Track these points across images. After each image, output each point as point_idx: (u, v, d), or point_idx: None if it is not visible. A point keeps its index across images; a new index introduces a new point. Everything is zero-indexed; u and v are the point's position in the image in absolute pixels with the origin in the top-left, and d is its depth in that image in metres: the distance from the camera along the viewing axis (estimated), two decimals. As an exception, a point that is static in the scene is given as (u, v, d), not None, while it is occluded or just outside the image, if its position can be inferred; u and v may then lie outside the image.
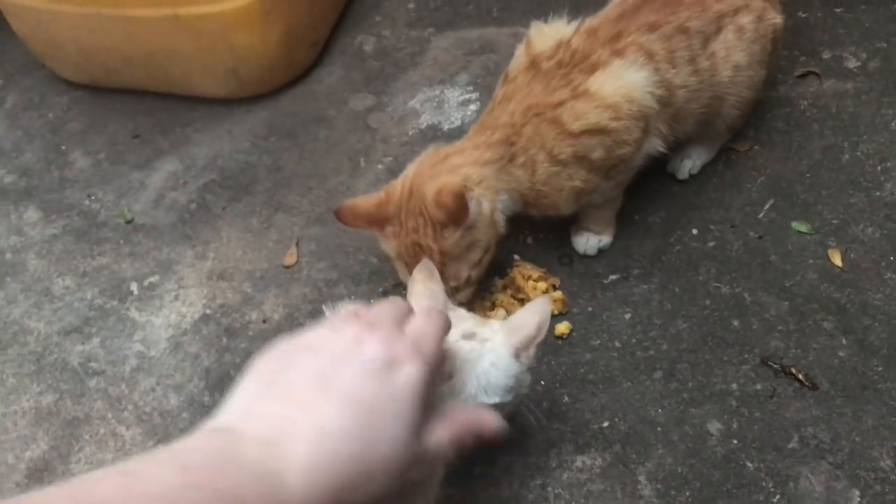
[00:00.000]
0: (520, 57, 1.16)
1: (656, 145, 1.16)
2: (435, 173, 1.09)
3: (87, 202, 1.55)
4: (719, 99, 1.20)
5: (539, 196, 1.14)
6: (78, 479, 0.46)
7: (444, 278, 1.10)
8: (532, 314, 0.88)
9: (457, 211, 1.05)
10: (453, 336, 0.82)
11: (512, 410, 0.94)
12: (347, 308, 0.64)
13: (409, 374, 0.57)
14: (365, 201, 1.14)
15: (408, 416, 0.56)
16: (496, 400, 0.85)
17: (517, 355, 0.86)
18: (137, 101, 1.70)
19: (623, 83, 1.08)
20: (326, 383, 0.56)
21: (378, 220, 1.12)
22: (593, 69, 1.08)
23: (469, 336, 0.86)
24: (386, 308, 0.65)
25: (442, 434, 0.60)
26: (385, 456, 0.55)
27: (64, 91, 1.78)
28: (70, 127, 1.70)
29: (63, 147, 1.66)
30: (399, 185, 1.12)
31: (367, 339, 0.58)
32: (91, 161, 1.62)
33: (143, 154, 1.61)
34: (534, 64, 1.12)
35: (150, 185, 1.55)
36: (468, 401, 0.83)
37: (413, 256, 1.11)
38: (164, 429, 1.20)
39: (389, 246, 1.14)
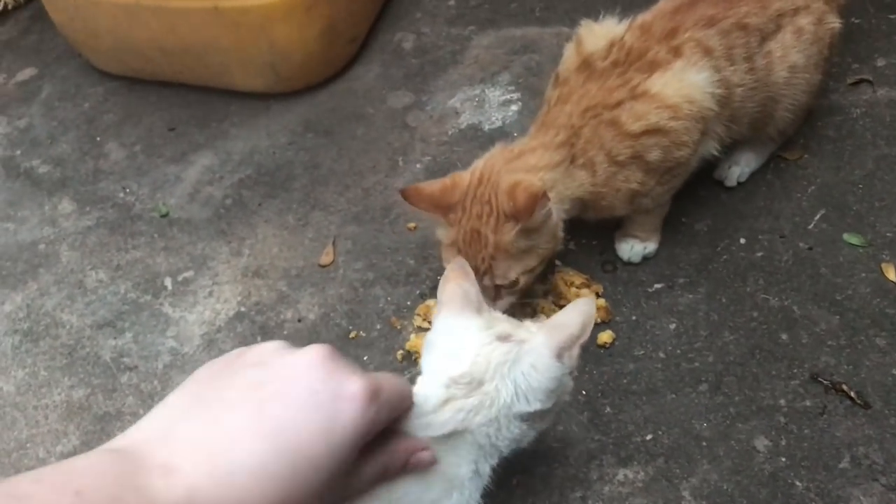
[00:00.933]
0: (570, 57, 1.14)
1: (711, 148, 1.13)
2: (512, 169, 1.07)
3: (121, 194, 1.53)
4: (773, 100, 1.17)
5: (598, 197, 1.11)
6: None
7: (492, 274, 1.09)
8: (575, 313, 0.80)
9: (526, 208, 1.02)
10: (485, 339, 0.77)
11: (553, 419, 0.90)
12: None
13: (354, 412, 0.53)
14: (430, 185, 1.11)
15: (341, 459, 0.52)
16: (537, 406, 0.77)
17: (559, 356, 0.77)
18: (174, 94, 1.69)
19: (684, 84, 1.05)
20: (262, 408, 0.51)
21: (442, 204, 1.10)
22: (651, 67, 1.05)
23: (504, 338, 0.78)
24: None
25: (374, 467, 0.59)
26: (304, 500, 0.50)
27: (100, 82, 1.77)
28: (105, 118, 1.69)
29: (98, 138, 1.65)
30: (468, 174, 1.10)
31: (320, 366, 0.54)
32: (126, 153, 1.61)
33: (179, 147, 1.60)
34: (586, 64, 1.10)
35: (185, 178, 1.54)
36: (501, 411, 0.75)
37: (469, 244, 1.09)
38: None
39: (446, 233, 1.12)
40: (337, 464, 0.52)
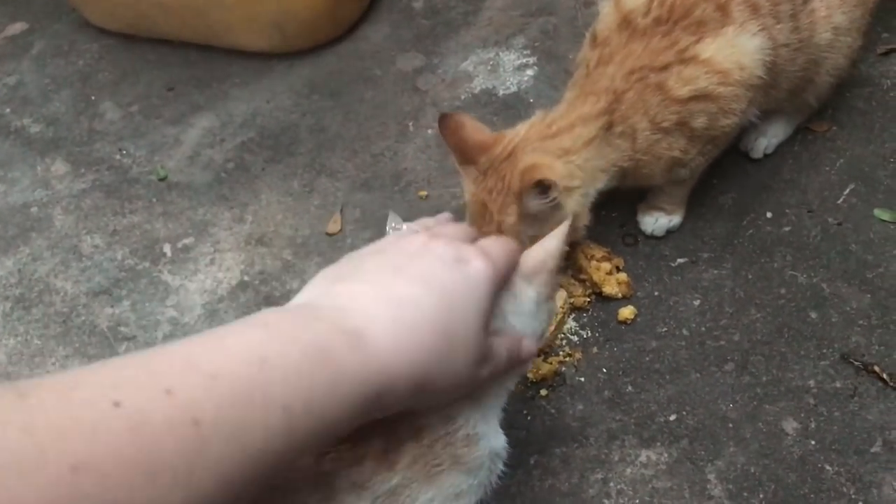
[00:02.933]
0: (608, 15, 1.07)
1: (751, 115, 1.08)
2: (543, 148, 1.01)
3: (117, 156, 1.47)
4: (815, 64, 1.11)
5: (638, 166, 1.06)
6: (162, 349, 0.45)
7: None
8: (546, 240, 0.79)
9: (525, 190, 0.98)
10: None
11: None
12: (411, 226, 0.67)
13: (479, 267, 0.59)
14: (474, 129, 1.04)
15: (480, 303, 0.59)
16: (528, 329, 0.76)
17: (530, 282, 0.75)
18: (172, 53, 1.62)
19: (736, 50, 0.99)
20: (400, 271, 0.57)
21: (470, 153, 1.04)
22: (698, 28, 1.00)
23: None
24: (452, 227, 0.68)
25: (500, 342, 0.64)
26: (463, 335, 0.57)
27: (94, 38, 1.69)
28: (101, 77, 1.62)
29: (93, 97, 1.58)
30: (507, 139, 1.03)
31: (435, 242, 0.60)
32: (122, 113, 1.54)
33: (178, 108, 1.53)
34: (627, 21, 1.03)
35: (184, 141, 1.47)
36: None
37: (476, 214, 1.04)
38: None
39: (465, 185, 1.07)
40: (477, 310, 0.58)
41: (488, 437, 0.72)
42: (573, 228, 1.06)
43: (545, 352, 1.10)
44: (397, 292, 0.55)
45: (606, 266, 1.15)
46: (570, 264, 1.16)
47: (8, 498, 0.34)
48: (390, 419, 0.60)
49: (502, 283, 0.64)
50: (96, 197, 1.41)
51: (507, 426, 1.05)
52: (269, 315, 0.51)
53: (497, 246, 0.65)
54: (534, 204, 1.00)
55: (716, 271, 1.16)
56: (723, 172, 1.24)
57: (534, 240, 1.03)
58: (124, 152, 1.47)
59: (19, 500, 0.35)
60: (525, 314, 0.75)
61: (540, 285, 0.76)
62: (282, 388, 0.45)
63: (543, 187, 0.97)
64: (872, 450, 1.00)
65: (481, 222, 1.04)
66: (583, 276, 1.15)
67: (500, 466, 0.76)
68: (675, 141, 1.04)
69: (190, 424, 0.40)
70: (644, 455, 1.02)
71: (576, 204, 1.04)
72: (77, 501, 0.36)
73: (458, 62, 1.51)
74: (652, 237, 1.20)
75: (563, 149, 1.02)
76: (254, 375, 0.45)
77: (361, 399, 0.50)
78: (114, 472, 0.37)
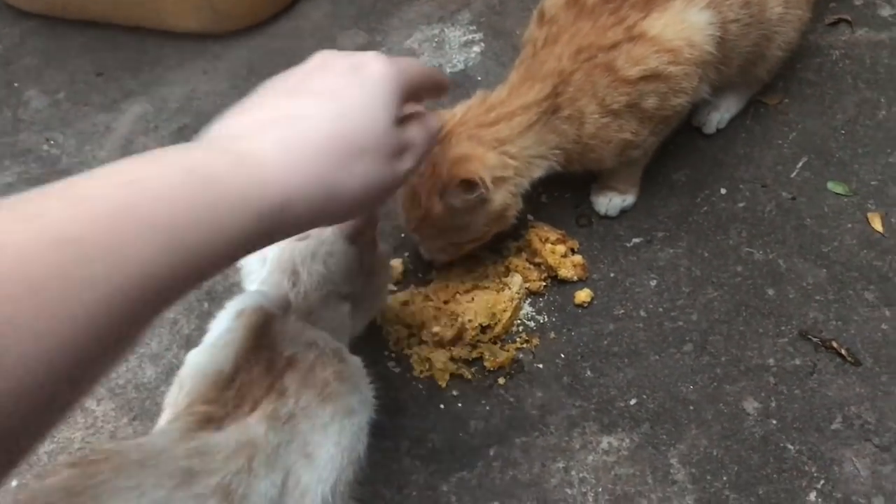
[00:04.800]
0: None
1: (704, 92, 1.05)
2: (477, 136, 0.98)
3: (45, 147, 1.39)
4: (767, 39, 1.09)
5: (585, 151, 1.03)
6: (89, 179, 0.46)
7: (419, 237, 1.06)
8: None
9: (450, 186, 0.97)
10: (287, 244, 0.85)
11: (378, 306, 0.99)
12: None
13: (376, 68, 0.61)
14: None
15: (382, 102, 0.60)
16: (347, 287, 0.85)
17: (352, 240, 0.85)
18: (100, 35, 1.53)
19: (685, 26, 0.96)
20: (293, 92, 0.60)
21: None
22: (647, 3, 0.96)
23: (303, 238, 0.85)
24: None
25: (413, 129, 0.65)
26: (365, 137, 0.59)
27: (15, 21, 1.59)
28: (24, 62, 1.52)
29: (16, 84, 1.49)
30: (447, 120, 1.00)
31: (332, 58, 0.64)
32: (49, 101, 1.45)
33: (108, 94, 1.45)
34: None
35: (116, 128, 1.39)
36: (313, 295, 0.83)
37: (407, 196, 1.02)
38: (140, 403, 1.07)
39: None
40: (376, 105, 0.60)
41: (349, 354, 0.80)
42: (503, 218, 1.03)
43: (502, 339, 1.07)
44: (286, 112, 0.57)
45: (561, 249, 1.12)
46: (524, 247, 1.13)
47: None
48: (262, 360, 0.70)
49: (409, 85, 0.64)
50: (23, 190, 1.32)
51: (466, 417, 1.03)
52: (154, 150, 0.51)
53: (402, 57, 0.70)
54: (458, 200, 0.97)
55: (671, 250, 1.14)
56: (676, 149, 1.22)
57: (457, 228, 1.01)
58: (52, 142, 1.39)
59: None
60: (341, 274, 0.84)
61: (368, 244, 0.86)
62: (155, 207, 0.46)
63: (469, 184, 0.95)
64: (833, 426, 0.99)
65: (410, 206, 1.01)
66: (538, 260, 1.12)
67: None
68: (625, 123, 1.01)
69: (61, 244, 0.41)
70: (605, 441, 1.00)
71: (505, 196, 1.01)
72: None
73: (401, 39, 1.45)
74: (606, 217, 1.17)
75: (499, 139, 0.98)
76: (124, 196, 0.45)
77: (255, 217, 0.51)
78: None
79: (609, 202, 1.16)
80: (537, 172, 1.04)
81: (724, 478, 0.96)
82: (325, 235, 0.86)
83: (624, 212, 1.18)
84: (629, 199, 1.16)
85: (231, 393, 0.70)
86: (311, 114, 0.57)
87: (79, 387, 0.44)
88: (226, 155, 0.52)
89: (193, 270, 0.48)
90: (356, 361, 0.82)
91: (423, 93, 0.69)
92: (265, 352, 0.74)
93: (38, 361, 0.39)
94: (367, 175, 0.59)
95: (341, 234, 0.86)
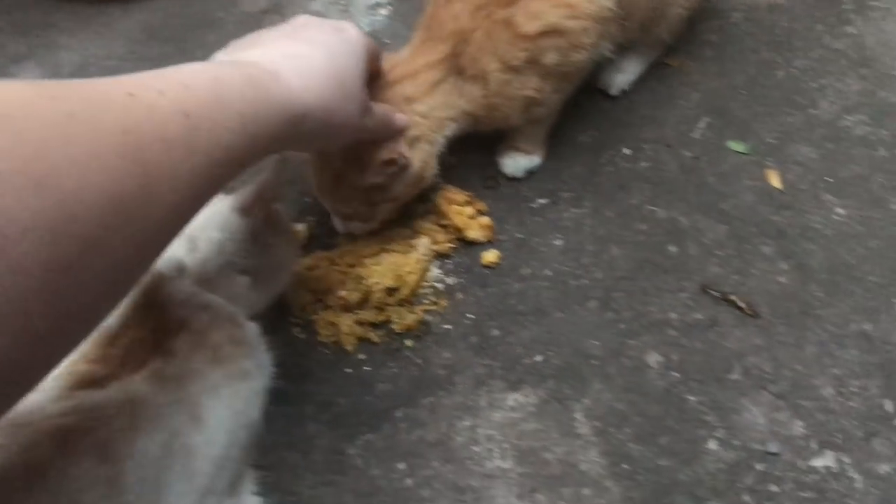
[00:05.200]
0: None
1: (605, 50, 1.05)
2: (385, 99, 0.96)
3: (-71, 115, 1.31)
4: None
5: (491, 110, 1.02)
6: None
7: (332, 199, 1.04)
8: (264, 175, 0.85)
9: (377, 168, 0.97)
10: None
11: (282, 282, 0.96)
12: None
13: (354, 33, 0.78)
14: None
15: (358, 61, 0.76)
16: (243, 260, 0.84)
17: (245, 212, 0.85)
18: (-12, -2, 1.46)
19: None
20: (291, 37, 0.73)
21: None
22: None
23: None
24: None
25: (377, 105, 0.84)
26: (350, 83, 0.74)
27: None
28: None
29: None
30: None
31: (315, 19, 0.78)
32: (-68, 67, 1.38)
33: (-3, 59, 1.38)
34: None
35: (6, 95, 1.33)
36: (218, 264, 0.83)
37: (318, 157, 0.99)
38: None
39: None
40: (356, 65, 0.76)
41: (245, 320, 0.80)
42: (422, 179, 1.03)
43: (409, 301, 1.06)
44: (293, 50, 0.70)
45: (468, 210, 1.12)
46: (432, 210, 1.12)
47: (85, 150, 0.44)
48: (151, 321, 0.71)
49: (372, 55, 0.83)
50: None
51: (373, 380, 1.02)
52: (207, 63, 0.65)
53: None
54: (380, 177, 0.98)
55: (576, 210, 1.15)
56: (580, 110, 1.22)
57: (375, 189, 1.00)
58: (-63, 110, 1.32)
59: (75, 152, 0.43)
60: (237, 237, 0.84)
61: (254, 219, 0.85)
62: (235, 98, 0.58)
63: (390, 163, 0.95)
64: (732, 377, 1.01)
65: (319, 167, 0.99)
66: (445, 222, 1.11)
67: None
68: (527, 80, 1.01)
69: (182, 115, 0.52)
70: (512, 398, 1.00)
71: (422, 155, 1.00)
72: (126, 154, 0.46)
73: (306, 2, 1.42)
74: (513, 179, 1.17)
75: (407, 97, 0.97)
76: (214, 87, 0.56)
77: (286, 121, 0.65)
78: (148, 143, 0.48)
79: (515, 163, 1.16)
80: (448, 132, 1.03)
81: (627, 430, 0.98)
82: (218, 206, 0.85)
83: (530, 173, 1.18)
84: (535, 159, 1.16)
85: (117, 352, 0.69)
86: (312, 54, 0.70)
87: (162, 245, 0.54)
88: (265, 73, 0.64)
89: (247, 157, 0.60)
90: (252, 327, 0.81)
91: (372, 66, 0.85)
92: (155, 312, 0.73)
93: (166, 208, 0.50)
94: (350, 115, 0.75)
95: (232, 206, 0.85)
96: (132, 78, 0.52)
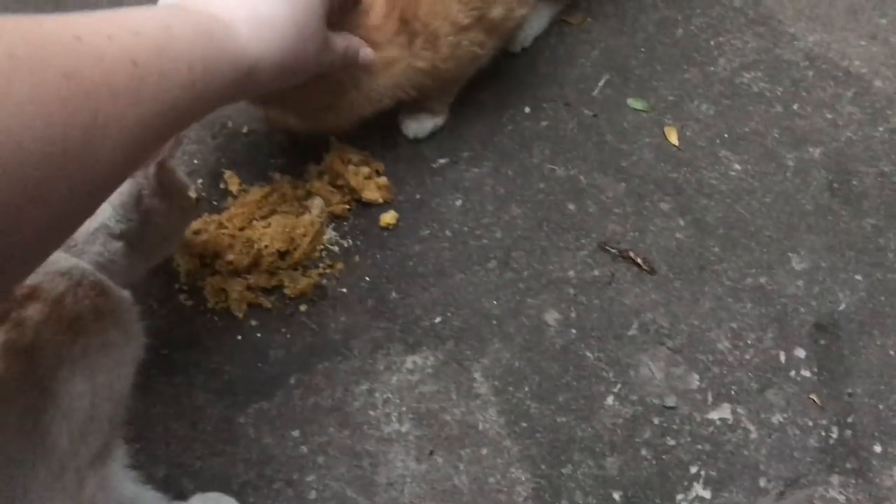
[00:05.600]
0: None
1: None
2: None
3: None
4: None
5: (441, 73, 1.01)
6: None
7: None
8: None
9: None
10: None
11: (163, 252, 0.91)
12: None
13: None
14: None
15: (315, 2, 0.74)
16: (120, 224, 0.79)
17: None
18: None
19: None
20: None
21: None
22: None
23: None
24: None
25: (337, 39, 0.82)
26: (311, 26, 0.73)
27: None
28: None
29: None
30: None
31: None
32: None
33: None
34: None
35: None
36: (90, 226, 0.78)
37: None
38: None
39: None
40: (321, 12, 0.75)
41: (114, 288, 0.76)
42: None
43: (304, 265, 1.03)
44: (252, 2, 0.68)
45: (365, 171, 1.08)
46: (325, 170, 1.08)
47: (26, 94, 0.42)
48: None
49: None
50: None
51: (265, 347, 0.99)
52: (157, 5, 0.63)
53: None
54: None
55: (477, 170, 1.13)
56: (481, 70, 1.20)
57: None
58: None
59: (14, 95, 0.41)
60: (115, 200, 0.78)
61: (146, 178, 0.80)
62: (185, 50, 0.57)
63: None
64: (629, 333, 1.01)
65: None
66: (340, 183, 1.07)
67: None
68: (474, 37, 0.99)
69: (130, 63, 0.50)
70: (410, 361, 0.98)
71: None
72: (68, 101, 0.45)
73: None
74: (414, 140, 1.14)
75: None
76: (165, 36, 0.55)
77: (236, 74, 0.64)
78: (93, 90, 0.47)
79: (420, 125, 1.13)
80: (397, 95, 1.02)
81: (526, 388, 0.97)
82: None
83: (433, 133, 1.15)
84: (439, 120, 1.14)
85: None
86: (269, 2, 0.69)
87: (105, 195, 0.54)
88: (218, 22, 0.63)
89: (196, 109, 0.59)
90: (122, 295, 0.77)
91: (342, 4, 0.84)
92: None
93: (109, 159, 0.49)
94: (308, 57, 0.75)
95: None
96: (81, 19, 0.50)
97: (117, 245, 0.79)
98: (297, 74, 0.75)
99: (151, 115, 0.52)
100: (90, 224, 0.77)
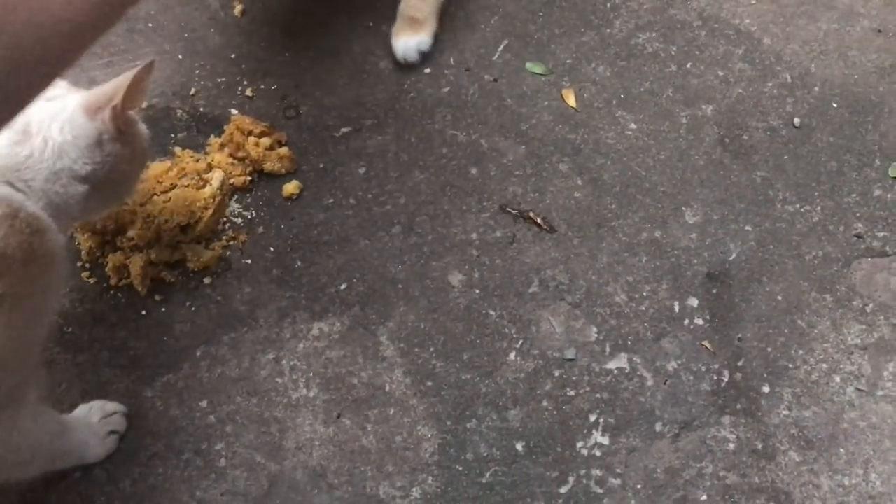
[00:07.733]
0: None
1: None
2: None
3: None
4: None
5: None
6: None
7: None
8: (118, 78, 0.80)
9: None
10: (49, 96, 0.80)
11: (126, 193, 0.92)
12: None
13: None
14: None
15: None
16: (85, 167, 0.79)
17: (92, 114, 0.79)
18: None
19: None
20: None
21: None
22: None
23: (52, 98, 0.81)
24: None
25: None
26: None
27: None
28: None
29: None
30: None
31: None
32: None
33: None
34: None
35: None
36: (56, 166, 0.78)
37: None
38: None
39: None
40: None
41: (52, 230, 0.75)
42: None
43: (207, 238, 1.03)
44: None
45: (266, 142, 1.09)
46: (226, 142, 1.08)
47: None
48: None
49: None
50: None
51: (170, 321, 0.99)
52: None
53: None
54: None
55: (380, 137, 1.14)
56: (382, 38, 1.21)
57: None
58: None
59: None
60: (78, 150, 0.79)
61: (105, 123, 0.79)
62: None
63: None
64: (530, 290, 1.04)
65: None
66: (241, 154, 1.08)
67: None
68: None
69: None
70: (316, 328, 1.00)
71: None
72: None
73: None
74: (313, 108, 1.15)
75: None
76: None
77: None
78: None
79: (405, 44, 1.17)
80: None
81: (431, 349, 0.99)
82: (65, 102, 0.80)
83: (423, 56, 1.18)
84: (425, 38, 1.18)
85: None
86: None
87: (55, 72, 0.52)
88: None
89: (83, 32, 0.53)
90: (57, 238, 0.77)
91: None
92: None
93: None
94: None
95: (82, 105, 0.79)
96: None
97: (81, 188, 0.80)
98: None
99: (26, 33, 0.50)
100: (54, 164, 0.78)
